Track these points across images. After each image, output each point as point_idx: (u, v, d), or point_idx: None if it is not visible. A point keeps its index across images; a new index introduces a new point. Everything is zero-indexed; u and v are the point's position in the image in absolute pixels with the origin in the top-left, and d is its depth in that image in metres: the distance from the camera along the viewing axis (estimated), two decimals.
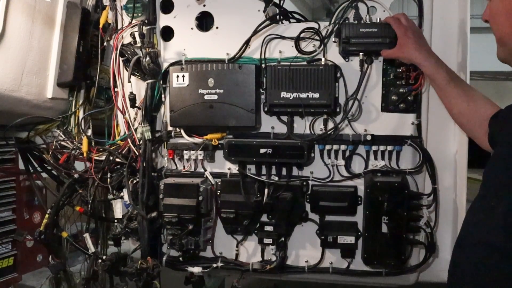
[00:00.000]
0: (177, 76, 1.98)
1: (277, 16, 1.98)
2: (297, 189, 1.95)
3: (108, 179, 2.11)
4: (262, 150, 1.90)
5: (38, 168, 2.31)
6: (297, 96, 1.87)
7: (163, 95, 2.05)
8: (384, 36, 1.79)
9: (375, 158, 1.91)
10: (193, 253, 2.05)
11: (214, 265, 2.03)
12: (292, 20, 2.03)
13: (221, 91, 1.93)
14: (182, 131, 2.03)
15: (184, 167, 2.08)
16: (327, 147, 1.92)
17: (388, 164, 1.90)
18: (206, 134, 2.00)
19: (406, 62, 1.76)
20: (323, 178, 1.95)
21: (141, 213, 1.97)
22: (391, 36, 1.79)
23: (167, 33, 2.07)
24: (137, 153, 2.02)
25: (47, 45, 2.05)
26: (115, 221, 2.13)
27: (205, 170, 2.06)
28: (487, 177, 1.22)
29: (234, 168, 2.02)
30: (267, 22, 1.92)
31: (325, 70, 1.86)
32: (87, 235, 2.14)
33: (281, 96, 1.88)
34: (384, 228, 1.84)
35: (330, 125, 1.91)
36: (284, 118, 1.95)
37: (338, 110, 1.89)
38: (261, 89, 1.94)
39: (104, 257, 2.11)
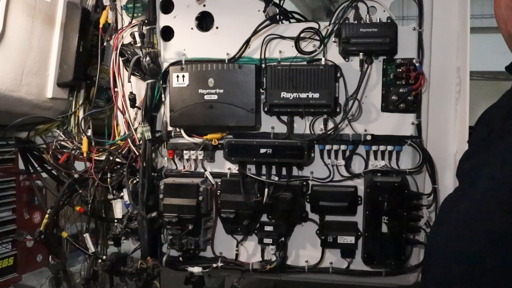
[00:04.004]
0: (177, 76, 1.98)
1: (277, 16, 1.99)
2: (297, 189, 1.95)
3: (108, 179, 2.11)
4: (262, 150, 1.90)
5: (38, 168, 2.31)
6: (297, 96, 1.87)
7: (163, 95, 2.05)
8: (384, 36, 1.80)
9: (375, 158, 1.91)
10: (193, 253, 2.05)
11: (214, 265, 2.04)
12: (292, 20, 2.03)
13: (221, 91, 1.93)
14: (182, 131, 2.03)
15: (184, 167, 2.08)
16: (327, 147, 1.92)
17: (388, 164, 1.90)
18: (206, 134, 2.00)
19: None
20: (323, 178, 1.95)
21: (141, 213, 1.97)
22: (391, 36, 1.80)
23: (167, 33, 2.07)
24: (137, 153, 2.02)
25: (47, 45, 2.05)
26: (115, 221, 2.13)
27: (205, 170, 2.06)
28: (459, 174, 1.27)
29: (234, 168, 2.02)
30: (267, 22, 1.92)
31: (325, 70, 1.86)
32: (87, 235, 2.14)
33: (281, 96, 1.88)
34: (384, 228, 1.84)
35: (330, 125, 1.91)
36: (284, 118, 1.95)
37: (338, 110, 1.89)
38: (261, 89, 1.94)
39: (104, 257, 2.11)
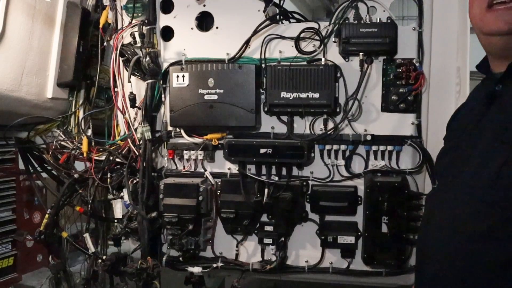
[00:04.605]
0: (177, 76, 1.98)
1: (277, 16, 1.99)
2: (297, 189, 1.95)
3: (108, 179, 2.11)
4: (262, 150, 1.90)
5: (38, 168, 2.31)
6: (297, 96, 1.87)
7: (163, 95, 2.05)
8: (384, 36, 1.80)
9: (375, 158, 1.91)
10: (193, 253, 2.05)
11: (214, 265, 2.04)
12: (292, 20, 2.03)
13: (221, 91, 1.93)
14: (182, 131, 2.03)
15: (184, 167, 2.08)
16: (327, 147, 1.92)
17: (388, 164, 1.90)
18: (206, 134, 2.00)
19: None
20: (323, 178, 1.95)
21: (141, 213, 1.97)
22: (391, 36, 1.80)
23: (167, 33, 2.07)
24: (137, 153, 2.02)
25: (47, 45, 2.05)
26: (115, 221, 2.13)
27: (205, 170, 2.06)
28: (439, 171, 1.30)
29: (234, 168, 2.02)
30: (267, 22, 1.92)
31: (325, 70, 1.86)
32: (87, 235, 2.14)
33: (281, 96, 1.88)
34: (384, 228, 1.84)
35: (330, 125, 1.91)
36: (284, 118, 1.95)
37: (338, 110, 1.89)
38: (261, 89, 1.94)
39: (104, 257, 2.11)
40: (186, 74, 1.97)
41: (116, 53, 2.02)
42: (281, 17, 2.00)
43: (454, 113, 1.39)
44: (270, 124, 1.97)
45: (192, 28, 2.04)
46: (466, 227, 1.07)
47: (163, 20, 2.07)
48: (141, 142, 1.99)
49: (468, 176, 1.10)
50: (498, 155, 1.04)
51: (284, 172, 1.96)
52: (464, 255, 1.07)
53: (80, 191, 2.18)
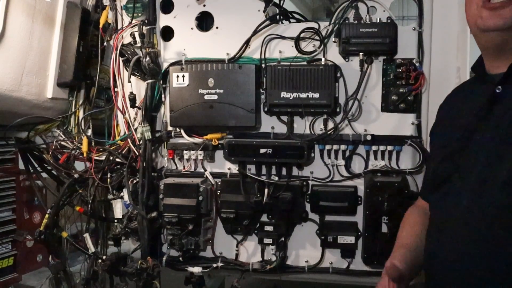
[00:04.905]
0: (177, 76, 1.98)
1: (277, 16, 1.99)
2: (297, 189, 1.95)
3: (108, 179, 2.10)
4: (262, 150, 1.90)
5: (38, 168, 2.30)
6: (297, 96, 1.87)
7: (163, 95, 2.05)
8: (384, 36, 1.80)
9: (375, 158, 1.91)
10: (193, 253, 2.05)
11: (214, 265, 2.04)
12: (292, 20, 2.03)
13: (221, 91, 1.93)
14: (182, 131, 2.03)
15: (184, 167, 2.08)
16: (327, 147, 1.92)
17: (388, 164, 1.90)
18: (206, 134, 2.00)
19: None
20: (323, 178, 1.95)
21: (141, 213, 1.97)
22: (391, 36, 1.80)
23: (167, 33, 2.07)
24: (137, 153, 2.02)
25: (47, 45, 2.05)
26: (115, 221, 2.13)
27: (205, 170, 2.06)
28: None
29: (234, 168, 2.02)
30: (267, 22, 1.93)
31: (325, 70, 1.86)
32: (87, 235, 2.14)
33: (281, 96, 1.88)
34: (384, 228, 1.85)
35: (330, 125, 1.91)
36: (284, 118, 1.95)
37: (338, 110, 1.89)
38: (261, 89, 1.94)
39: (104, 257, 2.11)
40: (186, 74, 1.97)
41: (116, 53, 2.01)
42: (281, 17, 2.01)
43: (438, 119, 1.37)
44: (270, 124, 1.97)
45: (192, 28, 2.04)
46: (480, 233, 1.06)
47: (163, 20, 2.07)
48: (141, 142, 1.99)
49: (477, 180, 1.09)
50: (507, 158, 1.03)
51: (284, 172, 1.96)
52: (480, 261, 1.06)
53: (80, 191, 2.18)
